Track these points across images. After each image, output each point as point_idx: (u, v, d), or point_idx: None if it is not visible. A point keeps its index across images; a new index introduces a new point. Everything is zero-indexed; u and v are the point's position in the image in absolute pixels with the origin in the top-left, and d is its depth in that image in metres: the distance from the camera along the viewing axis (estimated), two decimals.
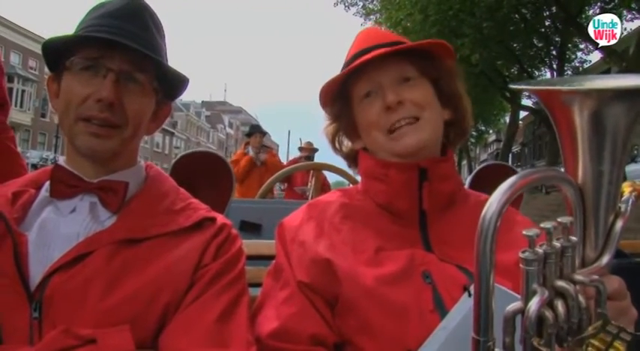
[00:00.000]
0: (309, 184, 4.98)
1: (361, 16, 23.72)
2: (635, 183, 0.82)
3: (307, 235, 1.14)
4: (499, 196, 0.68)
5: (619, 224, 0.77)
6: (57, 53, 1.06)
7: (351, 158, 1.30)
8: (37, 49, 33.78)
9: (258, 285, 1.21)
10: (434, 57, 1.19)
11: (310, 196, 4.65)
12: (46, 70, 1.11)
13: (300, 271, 1.10)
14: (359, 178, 1.28)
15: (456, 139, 1.25)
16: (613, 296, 0.80)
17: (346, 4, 23.46)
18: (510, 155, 32.60)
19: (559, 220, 0.71)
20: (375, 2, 23.25)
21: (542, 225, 0.69)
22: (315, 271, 1.08)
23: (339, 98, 1.23)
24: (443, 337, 0.92)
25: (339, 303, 1.07)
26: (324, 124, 1.30)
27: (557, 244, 0.69)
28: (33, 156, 27.48)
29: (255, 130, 6.93)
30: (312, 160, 6.65)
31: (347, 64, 1.20)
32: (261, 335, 1.05)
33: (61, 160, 1.10)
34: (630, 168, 16.46)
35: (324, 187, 5.12)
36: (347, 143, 1.29)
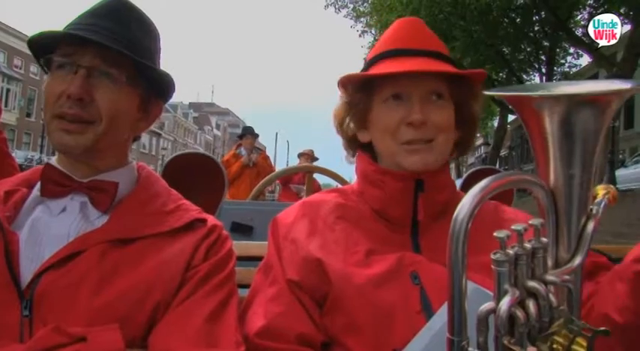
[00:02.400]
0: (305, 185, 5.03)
1: (351, 19, 23.82)
2: (610, 186, 0.83)
3: (300, 233, 1.14)
4: (471, 198, 0.68)
5: (590, 226, 0.78)
6: (42, 52, 1.06)
7: (351, 144, 1.26)
8: (23, 47, 33.26)
9: (247, 286, 1.21)
10: (466, 81, 1.18)
11: (304, 197, 4.67)
12: (32, 68, 1.11)
13: (290, 269, 1.10)
14: (347, 177, 1.27)
15: (457, 155, 1.26)
16: None
17: (337, 7, 23.53)
18: (498, 159, 32.80)
19: (530, 222, 0.72)
20: (365, 4, 23.33)
21: (512, 227, 0.70)
22: (306, 270, 1.09)
23: (361, 88, 1.19)
24: (428, 337, 0.93)
25: (327, 302, 1.07)
26: (337, 104, 1.25)
27: (528, 245, 0.70)
28: (18, 156, 26.85)
29: (248, 132, 7.05)
30: None
31: (380, 56, 1.18)
32: (249, 333, 1.05)
33: (53, 159, 1.10)
34: (620, 172, 16.69)
35: (316, 190, 5.15)
36: (352, 126, 1.24)
